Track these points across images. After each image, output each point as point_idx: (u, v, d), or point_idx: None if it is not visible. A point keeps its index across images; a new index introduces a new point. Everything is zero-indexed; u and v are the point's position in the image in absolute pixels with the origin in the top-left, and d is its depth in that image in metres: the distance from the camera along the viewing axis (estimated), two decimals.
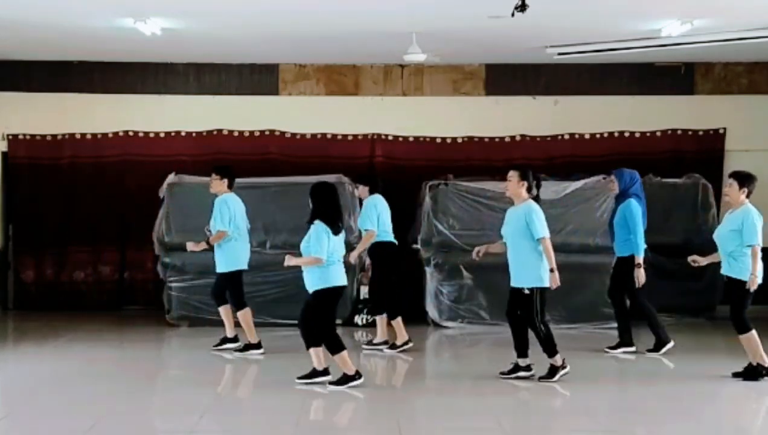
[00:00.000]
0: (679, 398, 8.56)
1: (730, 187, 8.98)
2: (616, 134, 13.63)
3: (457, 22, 10.66)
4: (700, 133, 13.61)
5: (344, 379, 8.63)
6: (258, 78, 13.61)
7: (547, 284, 8.85)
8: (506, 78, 13.63)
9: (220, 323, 11.79)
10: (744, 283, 8.85)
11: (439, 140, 13.63)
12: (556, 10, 10.01)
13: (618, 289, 10.43)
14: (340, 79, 13.63)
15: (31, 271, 13.50)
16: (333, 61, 13.46)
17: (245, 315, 10.42)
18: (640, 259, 10.13)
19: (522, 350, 9.05)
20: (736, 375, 9.02)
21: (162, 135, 13.55)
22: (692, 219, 12.67)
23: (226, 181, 10.45)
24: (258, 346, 10.40)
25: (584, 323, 11.83)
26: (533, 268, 8.79)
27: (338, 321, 11.83)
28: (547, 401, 8.51)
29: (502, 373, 9.06)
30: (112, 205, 13.44)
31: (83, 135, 13.49)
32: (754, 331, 8.92)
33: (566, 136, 13.61)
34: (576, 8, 10.13)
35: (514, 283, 8.93)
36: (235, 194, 10.52)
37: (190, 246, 10.44)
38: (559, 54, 12.02)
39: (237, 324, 10.55)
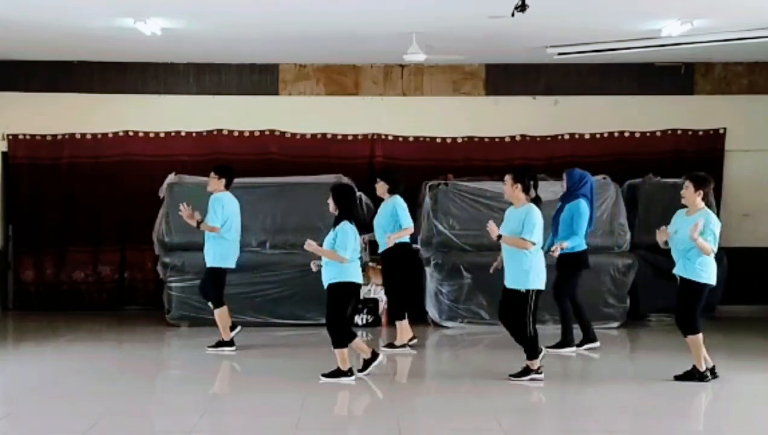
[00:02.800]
0: (679, 398, 8.55)
1: (686, 190, 8.85)
2: (616, 134, 13.64)
3: (457, 22, 10.66)
4: (700, 133, 13.62)
5: (336, 373, 8.83)
6: (258, 78, 13.60)
7: (542, 287, 8.85)
8: (506, 78, 13.64)
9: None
10: (697, 284, 8.81)
11: (439, 140, 13.63)
12: (556, 10, 10.01)
13: (564, 289, 10.40)
14: (340, 79, 13.63)
15: (31, 271, 13.48)
16: (333, 61, 13.45)
17: (222, 313, 10.45)
18: (566, 244, 10.05)
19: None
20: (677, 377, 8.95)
21: (162, 135, 13.54)
22: None
23: (223, 180, 10.46)
24: (231, 343, 10.45)
25: None
26: (529, 270, 8.72)
27: None
28: (547, 401, 8.50)
29: (512, 375, 8.96)
30: (112, 205, 13.43)
31: (83, 135, 13.48)
32: (701, 335, 8.86)
33: (566, 136, 13.61)
34: (576, 8, 10.13)
35: (509, 284, 8.86)
36: (231, 194, 10.52)
37: (183, 209, 10.34)
38: (559, 54, 12.02)
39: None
